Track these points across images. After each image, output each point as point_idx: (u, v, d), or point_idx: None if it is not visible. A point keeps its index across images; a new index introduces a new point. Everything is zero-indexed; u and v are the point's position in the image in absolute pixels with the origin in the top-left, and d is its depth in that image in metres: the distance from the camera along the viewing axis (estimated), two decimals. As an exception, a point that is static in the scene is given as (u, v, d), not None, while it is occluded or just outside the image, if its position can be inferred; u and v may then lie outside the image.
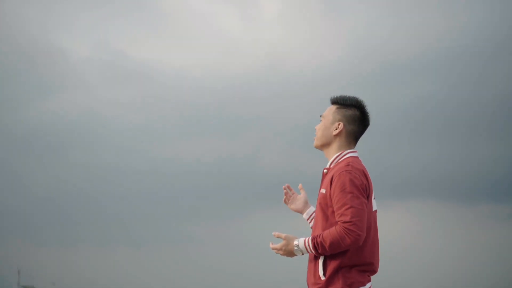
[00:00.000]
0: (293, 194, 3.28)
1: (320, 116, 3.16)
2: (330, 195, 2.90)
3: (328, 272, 2.87)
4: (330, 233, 2.82)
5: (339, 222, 2.82)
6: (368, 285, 2.92)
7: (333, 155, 3.05)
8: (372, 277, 2.97)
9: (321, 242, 2.84)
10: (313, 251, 2.89)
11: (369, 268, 2.93)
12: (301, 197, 3.25)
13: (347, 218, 2.79)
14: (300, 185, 3.27)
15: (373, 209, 2.98)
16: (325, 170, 3.04)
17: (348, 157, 3.01)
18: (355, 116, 3.06)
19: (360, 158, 3.07)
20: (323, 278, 2.88)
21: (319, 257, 2.90)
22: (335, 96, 3.12)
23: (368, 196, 2.91)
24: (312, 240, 2.88)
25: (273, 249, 3.02)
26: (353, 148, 3.08)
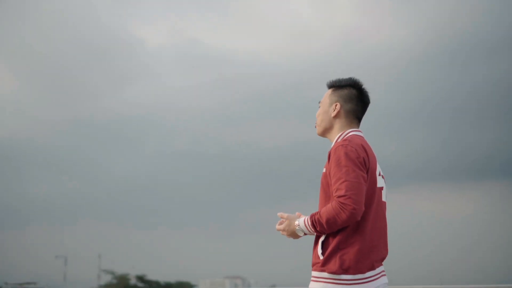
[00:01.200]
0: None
1: (319, 103, 3.10)
2: (329, 172, 2.80)
3: (327, 252, 2.73)
4: (326, 209, 2.69)
5: (334, 197, 2.69)
6: (370, 273, 2.72)
7: (336, 137, 2.96)
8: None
9: (318, 219, 2.72)
10: (312, 229, 2.77)
11: (372, 251, 2.75)
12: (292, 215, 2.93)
13: (342, 192, 2.65)
14: (279, 214, 2.97)
15: (378, 186, 2.84)
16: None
17: (351, 135, 2.92)
18: (351, 95, 2.99)
19: (365, 138, 2.96)
20: (321, 257, 2.74)
21: (320, 237, 2.78)
22: (330, 80, 3.06)
23: (368, 170, 2.78)
24: (311, 218, 2.77)
25: (278, 230, 2.92)
26: (356, 128, 2.99)
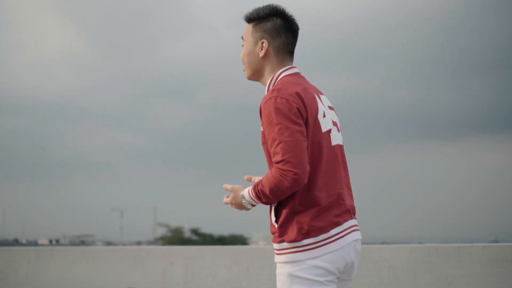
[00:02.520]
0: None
1: (242, 38, 2.67)
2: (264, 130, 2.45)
3: (281, 219, 2.42)
4: (268, 178, 2.36)
5: (274, 163, 2.36)
6: (335, 230, 2.39)
7: (267, 81, 2.58)
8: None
9: (261, 190, 2.39)
10: (258, 201, 2.46)
11: (332, 206, 2.41)
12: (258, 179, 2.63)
13: (279, 157, 2.32)
14: (246, 177, 2.73)
15: (324, 130, 2.46)
16: None
17: (282, 78, 2.54)
18: (277, 26, 2.57)
19: (300, 73, 2.60)
20: (276, 225, 2.43)
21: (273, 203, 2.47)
22: (247, 13, 2.62)
23: (307, 120, 2.39)
24: (253, 189, 2.44)
25: (225, 203, 2.60)
26: (289, 64, 2.60)
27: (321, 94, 2.59)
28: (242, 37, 2.66)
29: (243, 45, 2.66)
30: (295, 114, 2.35)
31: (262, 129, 2.47)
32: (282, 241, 2.41)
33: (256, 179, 2.64)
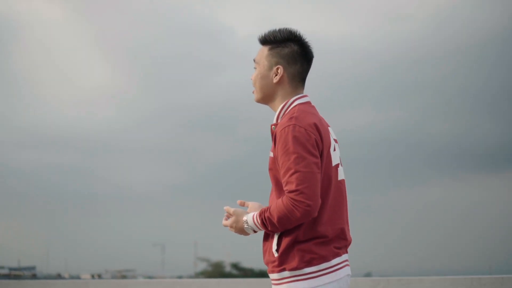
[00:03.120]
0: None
1: (254, 61, 2.63)
2: (277, 159, 2.40)
3: (282, 248, 2.37)
4: (277, 206, 2.32)
5: (285, 192, 2.32)
6: (336, 261, 2.38)
7: (279, 107, 2.53)
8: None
9: (268, 217, 2.35)
10: (262, 228, 2.41)
11: (335, 238, 2.40)
12: (253, 206, 2.58)
13: (293, 187, 2.28)
14: (238, 202, 2.64)
15: (334, 164, 2.45)
16: (273, 127, 2.49)
17: (295, 105, 2.49)
18: (294, 53, 2.53)
19: (312, 103, 2.57)
20: (276, 254, 2.38)
21: (274, 233, 2.43)
22: (264, 34, 2.58)
23: (322, 152, 2.38)
24: (260, 215, 2.39)
25: (224, 226, 2.55)
26: (301, 93, 2.56)
27: (329, 126, 2.57)
28: (254, 60, 2.62)
29: (255, 68, 2.62)
30: (312, 145, 2.34)
31: (271, 155, 2.46)
32: (283, 270, 2.37)
33: (250, 204, 2.57)
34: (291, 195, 2.29)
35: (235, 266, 63.50)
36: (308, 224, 2.36)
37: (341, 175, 2.50)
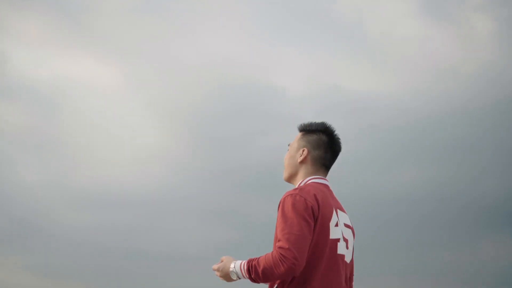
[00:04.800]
0: None
1: (288, 145, 2.97)
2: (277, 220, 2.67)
3: None
4: (266, 258, 2.52)
5: (276, 247, 2.52)
6: None
7: (297, 184, 2.83)
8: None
9: (255, 265, 2.54)
10: (246, 275, 2.58)
11: None
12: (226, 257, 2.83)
13: (284, 244, 2.48)
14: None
15: (332, 237, 2.64)
16: None
17: (310, 183, 2.77)
18: (320, 141, 2.86)
19: (330, 187, 2.83)
20: None
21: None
22: (302, 123, 2.93)
23: (317, 220, 2.59)
24: (248, 263, 2.59)
25: (213, 269, 2.75)
26: (323, 175, 2.85)
27: (342, 211, 2.79)
28: (289, 144, 2.95)
29: (288, 150, 2.93)
30: (308, 214, 2.55)
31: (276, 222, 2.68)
32: None
33: (223, 257, 2.74)
34: (281, 250, 2.47)
35: None
36: (297, 286, 2.56)
37: (341, 251, 2.69)
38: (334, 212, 2.70)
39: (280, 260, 2.46)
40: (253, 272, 2.55)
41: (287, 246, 2.47)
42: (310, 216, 2.56)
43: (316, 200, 2.62)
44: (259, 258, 2.55)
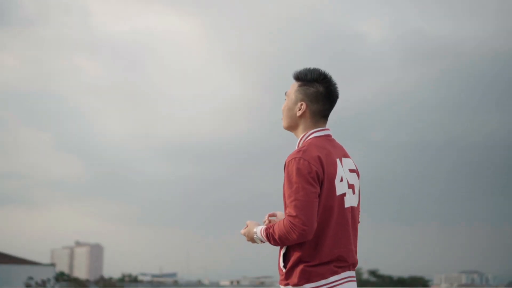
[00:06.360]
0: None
1: (285, 94, 2.98)
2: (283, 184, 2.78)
3: (288, 266, 2.74)
4: (279, 226, 2.70)
5: (286, 215, 2.69)
6: (334, 278, 2.70)
7: (299, 136, 2.90)
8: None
9: (271, 233, 2.73)
10: (266, 240, 2.80)
11: (335, 260, 2.72)
12: (280, 215, 2.95)
13: (292, 212, 2.64)
14: (270, 214, 2.98)
15: (338, 193, 2.75)
16: None
17: (311, 138, 2.84)
18: (318, 94, 2.86)
19: (332, 135, 2.90)
20: (283, 270, 2.76)
21: (281, 249, 2.79)
22: (297, 71, 2.92)
23: (323, 183, 2.70)
24: (265, 230, 2.77)
25: (241, 233, 2.95)
26: (322, 126, 2.89)
27: (346, 157, 2.87)
28: (286, 93, 2.96)
29: (285, 99, 2.95)
30: (313, 177, 2.66)
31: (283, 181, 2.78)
32: (287, 284, 2.73)
33: (248, 222, 2.93)
34: (290, 218, 2.64)
35: (373, 273, 62.80)
36: (311, 247, 2.70)
37: (348, 203, 2.79)
38: (339, 164, 2.79)
39: (291, 228, 2.63)
40: (271, 239, 2.74)
41: (294, 214, 2.62)
42: (314, 179, 2.67)
43: (320, 162, 2.70)
44: (274, 226, 2.73)
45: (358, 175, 2.92)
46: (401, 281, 61.88)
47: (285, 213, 2.73)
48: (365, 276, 62.83)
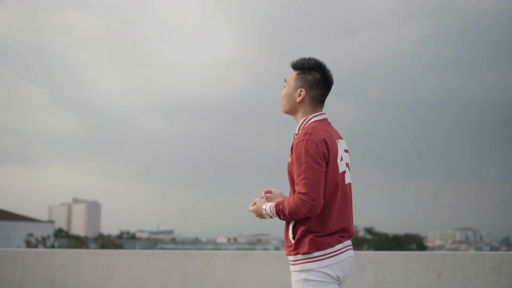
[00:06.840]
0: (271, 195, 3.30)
1: (284, 80, 3.22)
2: (292, 164, 3.01)
3: (297, 236, 3.00)
4: (289, 202, 2.96)
5: (296, 192, 2.94)
6: (339, 246, 3.00)
7: (300, 121, 3.15)
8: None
9: (281, 209, 3.00)
10: (276, 216, 3.06)
11: (339, 231, 3.01)
12: (275, 192, 3.26)
13: (302, 189, 2.91)
14: (266, 191, 3.28)
15: (341, 171, 3.04)
16: (295, 136, 3.10)
17: (312, 122, 3.10)
18: (315, 80, 3.13)
19: (328, 119, 3.16)
20: (292, 241, 3.02)
21: (290, 222, 3.05)
22: (295, 61, 3.18)
23: (328, 162, 2.98)
24: (275, 206, 3.04)
25: (249, 210, 3.22)
26: (320, 111, 3.17)
27: (341, 138, 3.16)
28: (285, 80, 3.21)
29: (285, 86, 3.20)
30: (320, 157, 2.94)
31: (289, 160, 3.06)
32: (297, 253, 3.00)
33: (273, 190, 3.24)
34: (300, 195, 2.91)
35: (368, 230, 63.34)
36: (318, 221, 2.97)
37: (347, 180, 3.11)
38: (338, 146, 3.08)
39: (300, 204, 2.91)
40: (282, 214, 3.02)
41: (304, 191, 2.90)
42: (322, 159, 2.94)
43: (326, 143, 2.98)
44: (283, 202, 3.00)
45: (349, 154, 3.21)
46: (396, 238, 62.49)
47: (293, 190, 3.01)
48: (361, 233, 63.42)
